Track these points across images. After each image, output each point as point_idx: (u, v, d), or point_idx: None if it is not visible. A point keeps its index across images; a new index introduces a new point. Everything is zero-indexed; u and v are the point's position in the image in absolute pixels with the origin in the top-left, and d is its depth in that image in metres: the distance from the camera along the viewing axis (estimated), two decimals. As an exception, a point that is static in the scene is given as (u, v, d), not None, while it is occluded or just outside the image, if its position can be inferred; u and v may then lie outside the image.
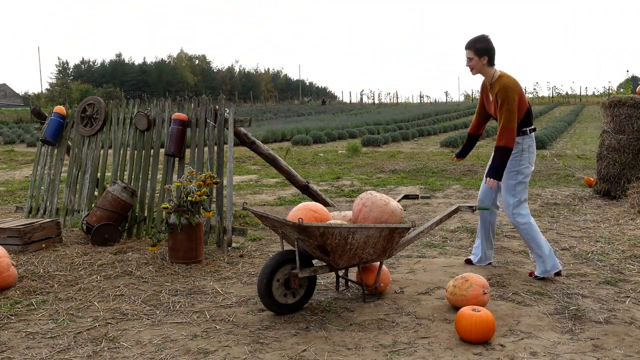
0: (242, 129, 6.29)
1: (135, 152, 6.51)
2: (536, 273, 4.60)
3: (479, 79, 4.77)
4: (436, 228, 6.09)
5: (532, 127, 4.59)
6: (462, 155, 5.13)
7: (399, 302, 4.12)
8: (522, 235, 4.64)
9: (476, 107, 4.99)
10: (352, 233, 3.78)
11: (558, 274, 4.60)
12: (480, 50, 4.49)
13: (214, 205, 6.02)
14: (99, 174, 6.78)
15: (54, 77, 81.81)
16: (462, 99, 66.36)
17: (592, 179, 8.93)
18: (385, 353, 3.27)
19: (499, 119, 4.45)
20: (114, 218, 5.98)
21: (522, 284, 4.45)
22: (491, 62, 4.53)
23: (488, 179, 4.46)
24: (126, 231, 6.24)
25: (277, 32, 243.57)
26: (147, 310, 4.01)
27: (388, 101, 67.34)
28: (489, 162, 4.58)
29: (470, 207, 4.49)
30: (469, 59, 4.54)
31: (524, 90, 4.59)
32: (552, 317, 3.78)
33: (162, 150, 6.37)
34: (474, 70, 4.57)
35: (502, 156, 4.40)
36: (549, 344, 3.36)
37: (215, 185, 5.62)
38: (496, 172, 4.44)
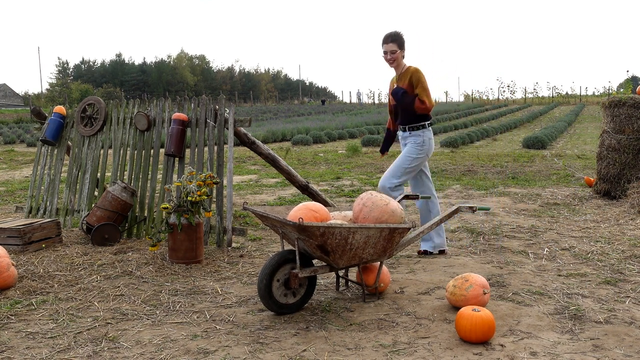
0: (242, 129, 6.29)
1: (135, 152, 6.51)
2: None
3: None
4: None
5: (430, 121, 5.20)
6: (386, 149, 5.75)
7: (399, 302, 4.12)
8: None
9: (388, 108, 5.53)
10: (353, 233, 3.78)
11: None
12: (401, 44, 4.99)
13: (214, 205, 6.02)
14: (99, 174, 6.78)
15: (54, 77, 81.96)
16: (462, 99, 66.35)
17: (592, 179, 8.92)
18: (385, 353, 3.27)
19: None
20: (114, 218, 5.98)
21: (522, 284, 4.45)
22: (404, 55, 5.09)
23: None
24: (126, 231, 6.24)
25: (277, 32, 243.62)
26: (147, 310, 4.01)
27: (388, 101, 67.14)
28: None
29: (471, 207, 4.49)
30: (392, 52, 4.97)
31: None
32: (552, 317, 3.78)
33: (162, 150, 6.38)
34: (396, 62, 5.01)
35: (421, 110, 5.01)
36: (549, 344, 3.36)
37: (215, 185, 5.62)
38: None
